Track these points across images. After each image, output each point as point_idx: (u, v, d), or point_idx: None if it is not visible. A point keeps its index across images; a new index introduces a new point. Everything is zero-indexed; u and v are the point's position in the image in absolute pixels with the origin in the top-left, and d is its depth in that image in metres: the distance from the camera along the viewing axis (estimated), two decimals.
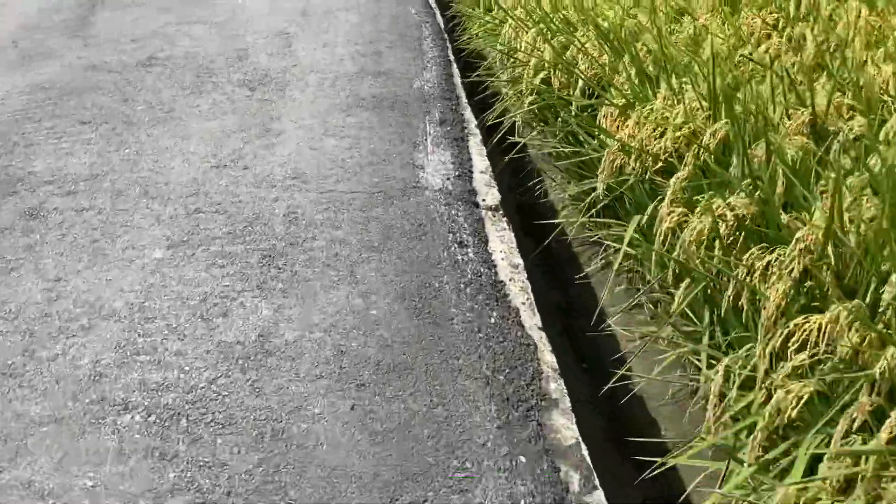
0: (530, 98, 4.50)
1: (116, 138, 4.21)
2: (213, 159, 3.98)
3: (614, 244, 3.52)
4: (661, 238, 2.98)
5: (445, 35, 6.06)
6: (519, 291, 3.05)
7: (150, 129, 4.32)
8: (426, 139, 4.23)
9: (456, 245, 3.27)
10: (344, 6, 6.66)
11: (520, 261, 3.27)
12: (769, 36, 4.03)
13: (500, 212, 3.67)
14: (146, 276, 3.05)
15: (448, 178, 3.83)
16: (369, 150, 4.06)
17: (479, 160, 4.11)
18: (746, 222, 2.80)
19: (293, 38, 5.78)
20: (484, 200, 3.73)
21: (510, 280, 3.12)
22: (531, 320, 2.90)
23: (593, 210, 3.56)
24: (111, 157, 4.00)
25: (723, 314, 2.68)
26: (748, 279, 2.59)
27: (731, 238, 2.80)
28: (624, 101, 3.68)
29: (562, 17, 4.75)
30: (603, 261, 3.63)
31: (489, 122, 4.55)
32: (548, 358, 2.70)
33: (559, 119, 4.38)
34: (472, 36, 5.98)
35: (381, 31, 5.95)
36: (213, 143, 4.15)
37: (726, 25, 4.09)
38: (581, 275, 3.61)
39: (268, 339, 2.71)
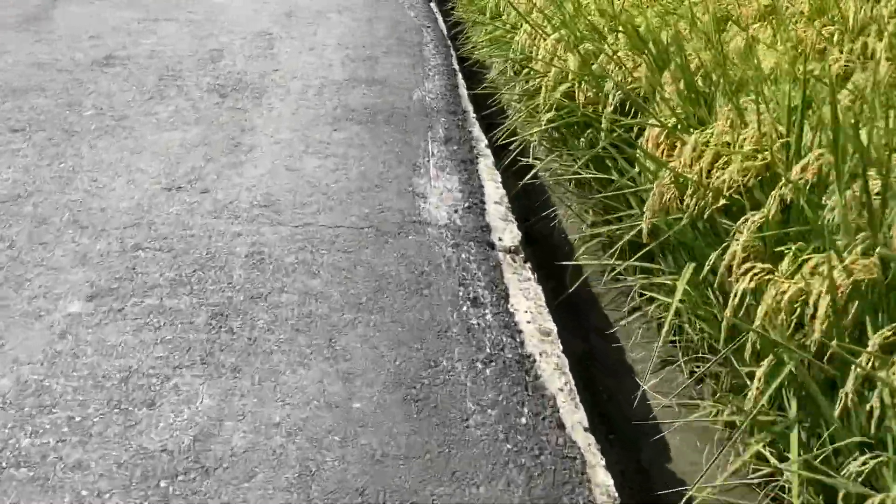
0: (549, 115, 3.67)
1: (52, 150, 3.35)
2: (166, 179, 3.13)
3: (657, 296, 2.73)
4: (737, 300, 2.17)
5: (449, 42, 5.24)
6: (554, 371, 2.21)
7: (95, 140, 3.47)
8: (428, 161, 3.40)
9: (468, 303, 2.43)
10: (336, 7, 5.83)
11: (552, 325, 2.44)
12: (824, 50, 3.25)
13: (522, 255, 2.84)
14: (53, 340, 2.20)
15: (456, 211, 2.99)
16: (359, 172, 3.22)
17: (493, 188, 3.28)
18: (862, 288, 2.00)
19: (276, 40, 4.94)
20: (500, 240, 2.89)
21: (541, 354, 2.28)
22: (573, 416, 2.06)
23: (633, 253, 2.79)
24: (40, 174, 3.14)
25: (836, 413, 1.89)
26: (886, 374, 1.80)
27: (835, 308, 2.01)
28: (674, 120, 2.87)
29: (587, 22, 3.92)
30: (632, 308, 2.83)
31: (499, 142, 3.74)
32: (601, 478, 1.87)
33: (581, 139, 3.58)
34: (477, 44, 5.17)
35: (377, 36, 5.12)
36: (168, 158, 3.30)
37: (778, 37, 3.30)
38: (605, 319, 2.84)
39: (206, 445, 1.85)
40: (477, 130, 3.82)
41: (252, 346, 2.19)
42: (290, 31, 5.11)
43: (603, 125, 3.25)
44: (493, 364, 2.17)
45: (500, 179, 3.36)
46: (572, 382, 2.19)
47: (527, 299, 2.56)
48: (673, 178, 2.61)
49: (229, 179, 3.13)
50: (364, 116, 3.78)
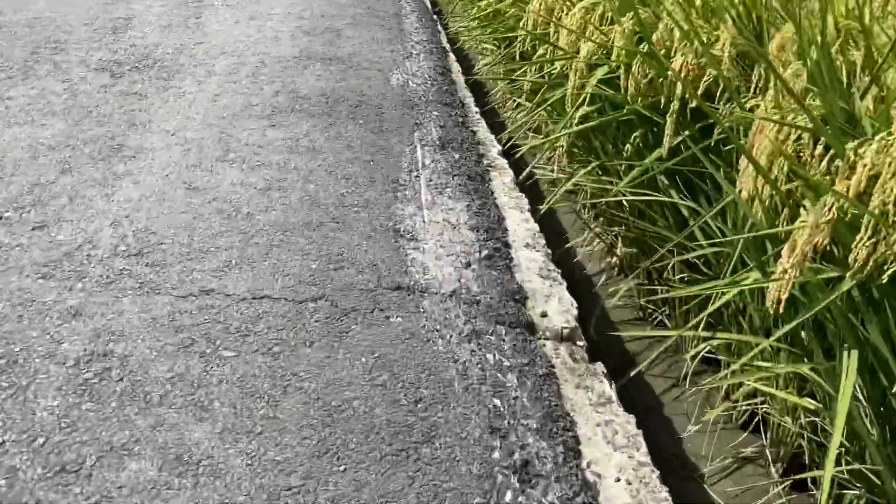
0: (581, 111, 2.40)
1: None
2: None
3: (756, 384, 1.56)
4: None
5: (434, 15, 3.97)
6: None
7: None
8: (417, 175, 2.12)
9: (515, 478, 1.17)
10: None
11: None
12: None
13: (582, 344, 1.58)
14: None
15: (468, 264, 1.72)
16: (304, 194, 1.94)
17: (519, 220, 2.02)
18: None
19: (206, 8, 3.62)
20: (545, 316, 1.63)
21: None
22: None
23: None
24: None
25: None
26: None
27: None
28: (818, 115, 1.64)
29: None
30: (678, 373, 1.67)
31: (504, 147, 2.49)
32: None
33: (626, 144, 2.34)
34: (467, 22, 3.91)
35: (341, 4, 3.83)
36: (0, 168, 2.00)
37: None
38: (651, 391, 1.69)
39: None
40: (484, 130, 2.56)
41: None
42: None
43: (669, 124, 1.99)
44: None
45: (527, 206, 2.10)
46: None
47: (613, 447, 1.30)
48: (840, 212, 1.40)
49: (89, 205, 1.83)
50: (318, 107, 2.49)
